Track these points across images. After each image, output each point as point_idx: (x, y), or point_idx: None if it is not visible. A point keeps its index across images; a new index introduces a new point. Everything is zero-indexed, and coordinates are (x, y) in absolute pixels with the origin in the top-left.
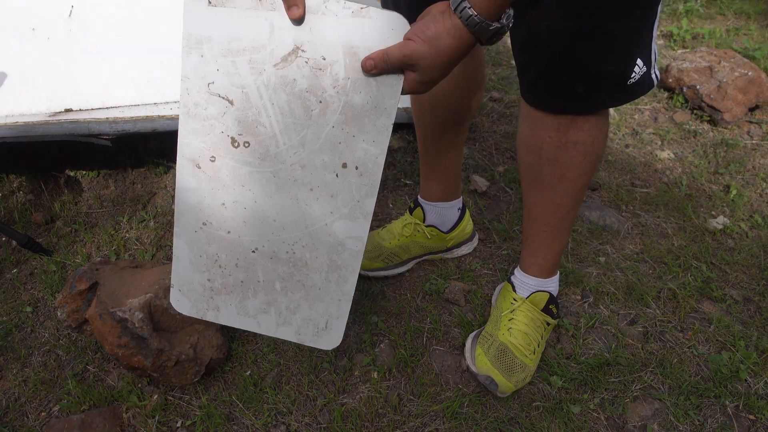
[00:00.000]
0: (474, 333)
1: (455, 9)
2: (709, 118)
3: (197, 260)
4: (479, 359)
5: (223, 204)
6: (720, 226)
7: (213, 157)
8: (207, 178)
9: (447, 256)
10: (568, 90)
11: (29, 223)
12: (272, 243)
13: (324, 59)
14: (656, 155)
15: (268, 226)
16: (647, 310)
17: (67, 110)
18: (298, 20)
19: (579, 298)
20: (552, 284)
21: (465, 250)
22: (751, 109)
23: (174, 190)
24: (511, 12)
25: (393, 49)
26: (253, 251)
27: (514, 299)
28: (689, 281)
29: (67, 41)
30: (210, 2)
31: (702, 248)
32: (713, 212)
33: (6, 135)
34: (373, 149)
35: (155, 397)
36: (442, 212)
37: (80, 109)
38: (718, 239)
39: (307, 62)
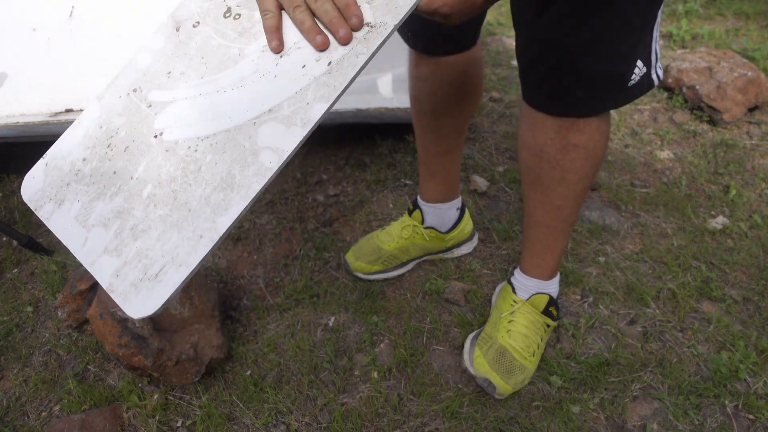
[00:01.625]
0: (473, 334)
1: None
2: (708, 119)
3: (94, 131)
4: (477, 361)
5: (169, 73)
6: (719, 226)
7: (197, 22)
8: (175, 43)
9: (447, 255)
10: (569, 94)
11: (30, 223)
12: (182, 130)
13: None
14: (656, 155)
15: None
16: (647, 310)
17: (68, 110)
18: (323, 49)
19: (579, 297)
20: (552, 286)
21: (465, 249)
22: (751, 110)
23: None
24: None
25: None
26: (155, 136)
27: (514, 301)
28: (689, 281)
29: (68, 41)
30: None
31: (701, 248)
32: (713, 212)
33: (6, 135)
34: (360, 47)
35: (155, 396)
36: (441, 213)
37: (81, 109)
38: (718, 239)
39: None
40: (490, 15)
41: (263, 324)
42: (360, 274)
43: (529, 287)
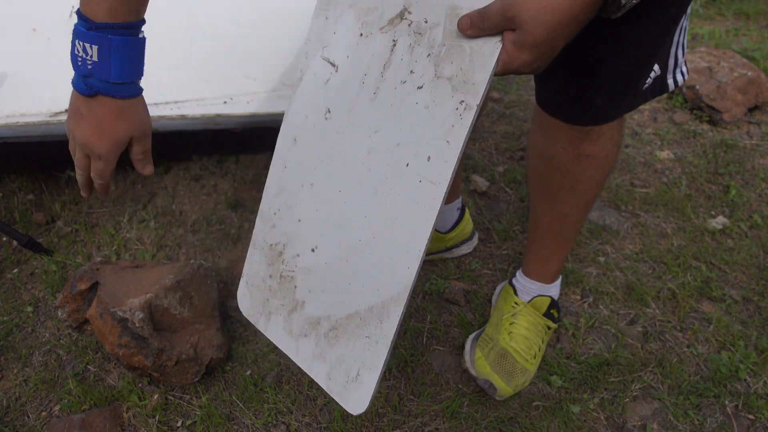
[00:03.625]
0: (473, 334)
1: None
2: (708, 119)
3: (268, 249)
4: (479, 362)
5: (302, 185)
6: (719, 226)
7: (306, 126)
8: (297, 154)
9: (447, 255)
10: (587, 102)
11: (30, 223)
12: (334, 238)
13: (426, 22)
14: (656, 155)
15: (335, 218)
16: (647, 310)
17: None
18: (150, 174)
19: (579, 297)
20: (554, 289)
21: (465, 249)
22: (751, 110)
23: (174, 190)
24: None
25: (494, 1)
26: (313, 250)
27: (516, 303)
28: (689, 281)
29: (68, 41)
30: None
31: (701, 248)
32: (713, 212)
33: (6, 135)
34: (448, 138)
35: (155, 396)
36: (442, 214)
37: None
38: (718, 239)
39: (410, 25)
40: None
41: None
42: None
43: (531, 290)
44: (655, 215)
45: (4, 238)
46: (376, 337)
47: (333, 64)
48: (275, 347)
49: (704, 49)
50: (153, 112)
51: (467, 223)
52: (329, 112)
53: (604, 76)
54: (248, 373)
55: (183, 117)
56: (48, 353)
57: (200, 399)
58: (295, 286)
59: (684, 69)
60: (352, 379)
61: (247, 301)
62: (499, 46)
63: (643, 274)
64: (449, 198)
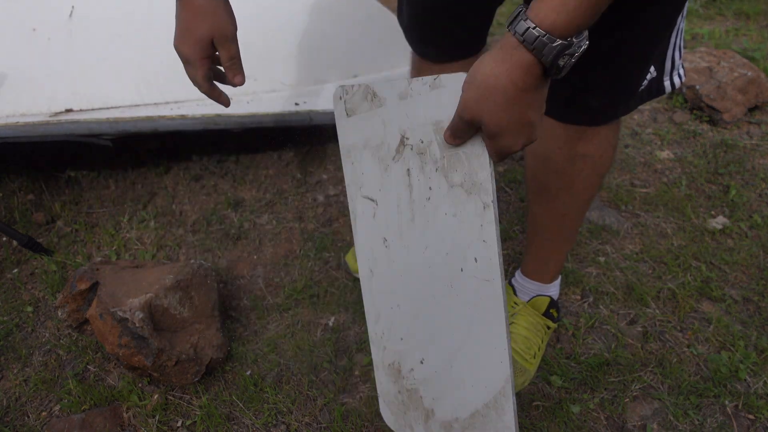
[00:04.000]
0: None
1: (509, 25)
2: (708, 119)
3: (388, 368)
4: None
5: (392, 308)
6: (719, 226)
7: (375, 258)
8: (377, 283)
9: None
10: (582, 103)
11: (30, 223)
12: (433, 348)
13: (422, 142)
14: (656, 155)
15: (427, 331)
16: (647, 310)
17: (68, 110)
18: (241, 85)
19: (579, 297)
20: (553, 289)
21: None
22: (751, 110)
23: (174, 190)
24: (586, 34)
25: (456, 112)
26: (422, 362)
27: (515, 303)
28: (689, 281)
29: (68, 42)
30: (347, 114)
31: (701, 248)
32: (713, 212)
33: (7, 135)
34: (484, 237)
35: (155, 396)
36: None
37: (81, 110)
38: (718, 239)
39: (412, 149)
40: None
41: (263, 324)
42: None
43: (530, 290)
44: (655, 215)
45: (4, 238)
46: (501, 429)
47: (372, 200)
48: (275, 347)
49: (704, 49)
50: (153, 112)
51: None
52: (386, 240)
53: (599, 78)
54: (248, 373)
55: (183, 117)
56: (48, 353)
57: (200, 399)
58: (421, 397)
59: (681, 71)
60: None
61: (390, 416)
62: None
63: (643, 274)
64: None
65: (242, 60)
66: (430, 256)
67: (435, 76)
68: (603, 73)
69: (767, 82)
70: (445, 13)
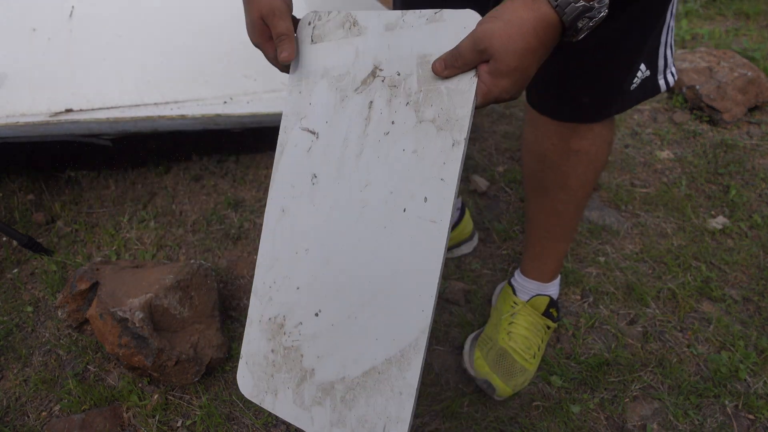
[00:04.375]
0: (473, 335)
1: None
2: (708, 119)
3: (267, 324)
4: (477, 362)
5: (296, 252)
6: (719, 226)
7: (294, 195)
8: (287, 224)
9: (447, 255)
10: (574, 99)
11: (30, 223)
12: (338, 298)
13: (398, 74)
14: (656, 155)
15: (338, 278)
16: (647, 310)
17: (68, 110)
18: (288, 62)
19: (579, 297)
20: (552, 288)
21: (465, 249)
22: (751, 110)
23: (174, 190)
24: (607, 1)
25: (463, 39)
26: (317, 314)
27: (515, 303)
28: (689, 281)
29: (68, 41)
30: (312, 40)
31: (701, 248)
32: (713, 212)
33: (7, 135)
34: (442, 175)
35: (156, 396)
36: None
37: (81, 110)
38: (718, 239)
39: (383, 81)
40: None
41: None
42: None
43: (529, 289)
44: (655, 215)
45: (4, 238)
46: (400, 387)
47: (313, 132)
48: None
49: (704, 49)
50: (153, 112)
51: (467, 223)
52: (315, 177)
53: (588, 75)
54: None
55: (183, 117)
56: (48, 353)
57: (200, 399)
58: (302, 355)
59: (673, 69)
60: None
61: (249, 382)
62: (475, 79)
63: (643, 274)
64: None
65: (242, 60)
66: (367, 195)
67: (437, 9)
68: (593, 69)
69: (767, 82)
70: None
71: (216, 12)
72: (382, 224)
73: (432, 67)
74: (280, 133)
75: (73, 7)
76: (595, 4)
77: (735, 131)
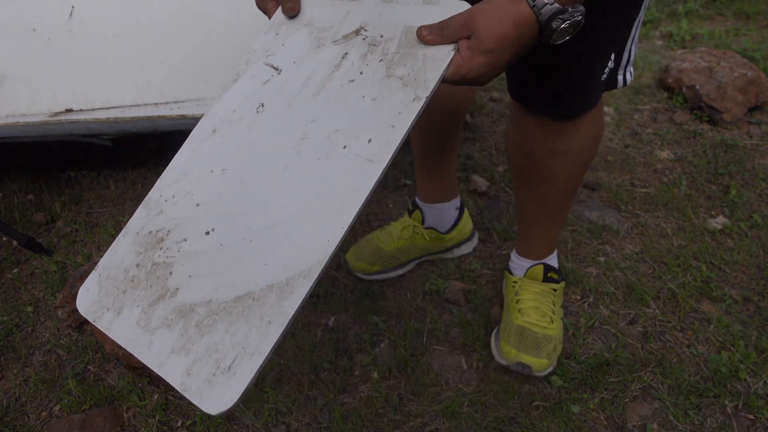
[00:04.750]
0: (494, 330)
1: None
2: (708, 119)
3: (145, 236)
4: (505, 350)
5: (211, 171)
6: (719, 226)
7: (232, 119)
8: (213, 143)
9: (447, 255)
10: (555, 94)
11: (30, 223)
12: (239, 219)
13: (381, 36)
14: (656, 155)
15: (245, 200)
16: (647, 310)
17: (68, 110)
18: (292, 14)
19: (579, 297)
20: (547, 261)
21: (465, 249)
22: (751, 110)
23: None
24: (582, 8)
25: (455, 15)
26: (207, 233)
27: (514, 282)
28: (689, 281)
29: (68, 41)
30: None
31: (701, 248)
32: (713, 212)
33: (6, 135)
34: (393, 123)
35: (156, 396)
36: (441, 213)
37: (81, 109)
38: (718, 239)
39: (365, 39)
40: None
41: None
42: (360, 275)
43: (522, 266)
44: (655, 215)
45: (4, 238)
46: (271, 316)
47: (276, 68)
48: (276, 347)
49: (704, 49)
50: (153, 112)
51: (466, 223)
52: (262, 106)
53: (569, 64)
54: None
55: (183, 117)
56: (48, 353)
57: None
58: (171, 273)
59: (631, 69)
60: (222, 370)
61: (92, 296)
62: (452, 52)
63: (643, 274)
64: (446, 197)
65: (242, 59)
66: (310, 129)
67: None
68: (570, 63)
69: (767, 82)
70: None
71: (216, 12)
72: (316, 156)
73: (417, 32)
74: (239, 63)
75: (73, 7)
76: (569, 8)
77: (735, 131)
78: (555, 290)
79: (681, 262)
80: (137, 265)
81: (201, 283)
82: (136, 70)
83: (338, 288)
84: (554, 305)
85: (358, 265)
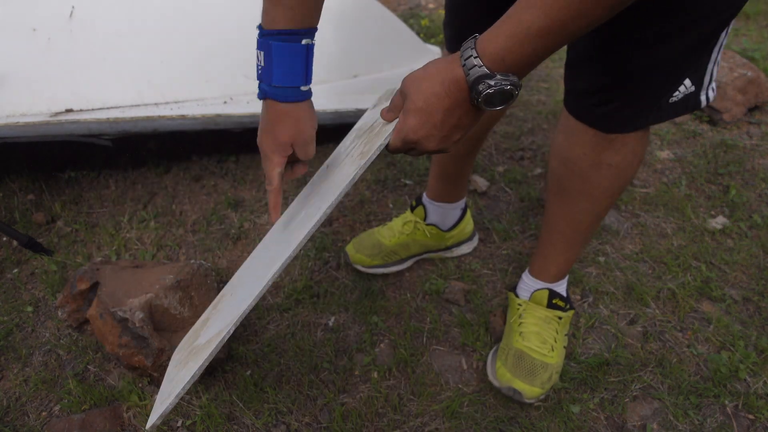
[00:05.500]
0: (492, 349)
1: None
2: (708, 119)
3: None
4: (499, 372)
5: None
6: (719, 226)
7: (289, 215)
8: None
9: (447, 255)
10: (614, 109)
11: (30, 223)
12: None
13: (379, 124)
14: (656, 155)
15: (241, 284)
16: (647, 310)
17: (68, 110)
18: (300, 174)
19: (579, 297)
20: (555, 286)
21: (465, 249)
22: (751, 110)
23: (174, 190)
24: (514, 79)
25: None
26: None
27: (519, 304)
28: (688, 281)
29: (68, 41)
30: (373, 106)
31: (701, 248)
32: (712, 212)
33: (7, 135)
34: (329, 197)
35: (156, 396)
36: (445, 212)
37: (81, 110)
38: (718, 239)
39: (372, 129)
40: None
41: (263, 324)
42: (359, 267)
43: (529, 286)
44: (655, 215)
45: (4, 238)
46: (182, 377)
47: (327, 166)
48: (275, 347)
49: None
50: (153, 112)
51: (467, 223)
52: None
53: (632, 85)
54: (248, 373)
55: (183, 117)
56: (48, 353)
57: (200, 399)
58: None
59: (714, 85)
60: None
61: (158, 408)
62: (397, 119)
63: (643, 274)
64: (454, 198)
65: (242, 60)
66: (305, 211)
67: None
68: (638, 81)
69: (767, 82)
70: (474, 5)
71: (216, 12)
72: (286, 238)
73: (380, 114)
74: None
75: (73, 7)
76: (498, 74)
77: (735, 131)
78: (560, 318)
79: (681, 262)
80: (179, 362)
81: (212, 328)
82: (136, 70)
83: (338, 288)
84: (557, 333)
85: (358, 257)
